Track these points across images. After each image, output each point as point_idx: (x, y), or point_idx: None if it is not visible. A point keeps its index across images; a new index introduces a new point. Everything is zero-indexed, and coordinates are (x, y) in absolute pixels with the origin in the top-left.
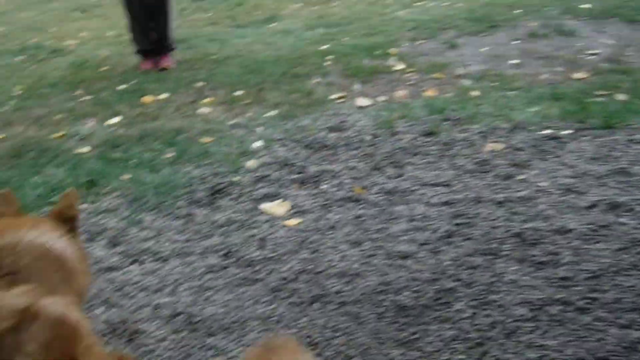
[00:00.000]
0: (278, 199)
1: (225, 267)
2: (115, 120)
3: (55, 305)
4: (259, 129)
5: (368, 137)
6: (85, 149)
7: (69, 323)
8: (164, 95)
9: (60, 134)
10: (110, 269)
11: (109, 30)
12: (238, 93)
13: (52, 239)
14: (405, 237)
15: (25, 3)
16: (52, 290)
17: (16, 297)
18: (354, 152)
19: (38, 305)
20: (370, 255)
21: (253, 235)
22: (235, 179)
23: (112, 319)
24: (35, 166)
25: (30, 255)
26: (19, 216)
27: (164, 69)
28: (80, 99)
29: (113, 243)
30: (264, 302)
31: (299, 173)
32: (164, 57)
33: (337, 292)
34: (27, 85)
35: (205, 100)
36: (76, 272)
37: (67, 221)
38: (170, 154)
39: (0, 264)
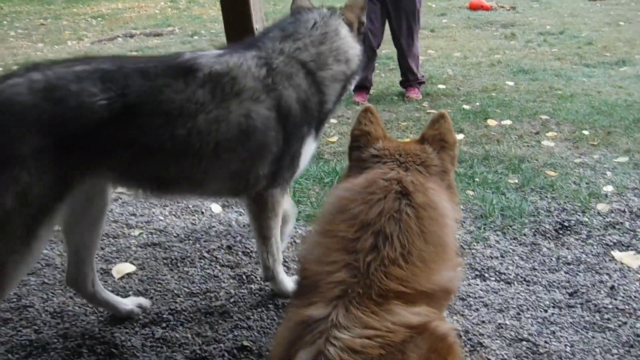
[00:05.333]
0: (631, 249)
1: (571, 306)
2: (459, 137)
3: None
4: (609, 173)
5: None
6: None
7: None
8: (507, 122)
9: (407, 140)
10: None
11: (455, 52)
12: (585, 132)
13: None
14: None
15: None
16: None
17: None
18: None
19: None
20: None
21: (602, 282)
22: (584, 219)
23: (455, 326)
24: None
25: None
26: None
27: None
28: (426, 111)
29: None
30: (615, 354)
31: None
32: (411, 89)
33: None
34: (378, 91)
35: (550, 134)
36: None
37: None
38: (514, 180)
39: None
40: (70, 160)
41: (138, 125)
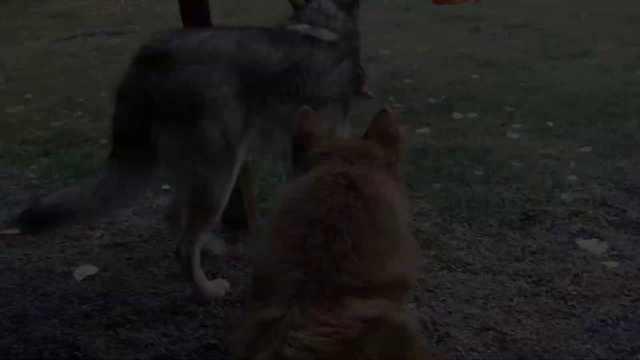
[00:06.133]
0: (595, 237)
1: (536, 295)
2: (425, 130)
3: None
4: (573, 163)
5: None
6: None
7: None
8: (472, 115)
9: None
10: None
11: (421, 46)
12: (549, 123)
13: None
14: None
15: None
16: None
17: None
18: None
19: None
20: None
21: (567, 269)
22: (549, 208)
23: (423, 318)
24: None
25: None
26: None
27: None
28: (392, 105)
29: (424, 246)
30: (579, 339)
31: (617, 215)
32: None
33: None
34: None
35: (515, 126)
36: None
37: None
38: (479, 172)
39: None
40: (250, 105)
41: (299, 80)
